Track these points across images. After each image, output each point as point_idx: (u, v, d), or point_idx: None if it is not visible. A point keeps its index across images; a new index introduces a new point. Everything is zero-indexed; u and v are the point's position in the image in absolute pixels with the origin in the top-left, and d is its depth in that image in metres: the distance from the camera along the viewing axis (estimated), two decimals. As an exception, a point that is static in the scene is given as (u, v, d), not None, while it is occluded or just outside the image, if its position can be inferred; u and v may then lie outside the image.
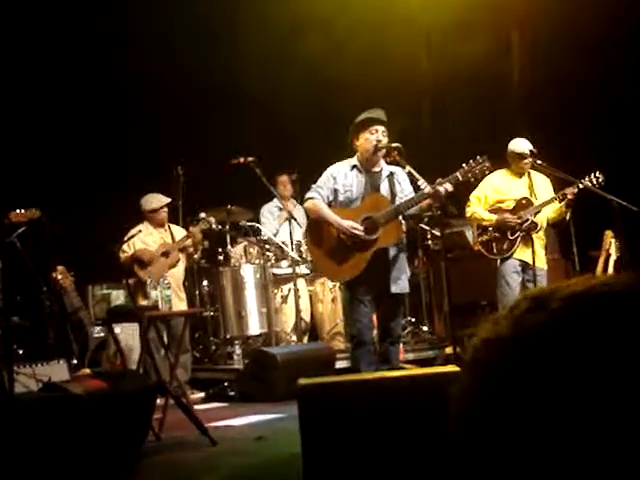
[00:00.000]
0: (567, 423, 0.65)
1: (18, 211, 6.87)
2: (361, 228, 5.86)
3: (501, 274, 7.06)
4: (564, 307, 0.69)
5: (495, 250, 7.08)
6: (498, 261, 7.07)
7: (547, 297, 0.71)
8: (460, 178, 5.91)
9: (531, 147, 7.06)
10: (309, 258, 8.11)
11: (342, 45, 9.52)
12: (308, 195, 6.15)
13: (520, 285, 7.08)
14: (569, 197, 6.85)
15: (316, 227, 6.13)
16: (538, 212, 7.01)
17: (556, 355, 0.67)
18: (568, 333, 0.67)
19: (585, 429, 0.65)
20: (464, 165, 6.01)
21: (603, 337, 0.67)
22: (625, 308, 0.68)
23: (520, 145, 7.09)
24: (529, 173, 7.17)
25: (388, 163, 6.15)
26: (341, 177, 6.08)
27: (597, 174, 6.82)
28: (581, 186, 6.81)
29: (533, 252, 6.90)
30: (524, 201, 7.05)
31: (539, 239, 7.08)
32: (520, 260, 7.04)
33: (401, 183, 6.09)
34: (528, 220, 6.98)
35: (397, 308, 6.12)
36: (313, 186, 6.17)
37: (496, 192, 7.17)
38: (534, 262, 6.88)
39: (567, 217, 7.29)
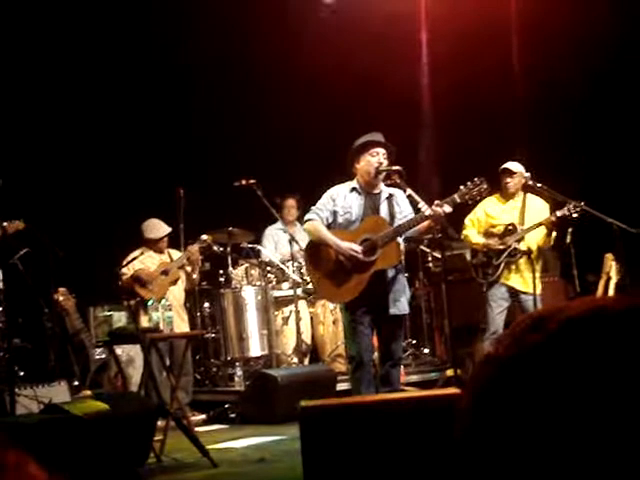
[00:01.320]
0: (561, 440, 0.67)
1: (2, 223, 6.84)
2: (359, 250, 5.88)
3: (487, 298, 7.14)
4: (559, 328, 0.71)
5: (481, 274, 7.15)
6: (485, 286, 7.13)
7: (546, 318, 0.73)
8: (458, 200, 5.95)
9: (522, 169, 7.12)
10: (310, 280, 8.13)
11: (343, 66, 9.58)
12: (307, 217, 6.18)
13: (507, 310, 7.16)
14: (545, 224, 6.93)
15: (315, 249, 6.15)
16: (522, 239, 7.07)
17: (550, 375, 0.69)
18: (562, 353, 0.69)
19: (579, 446, 0.67)
20: (462, 187, 6.05)
21: (596, 357, 0.69)
22: (618, 329, 0.70)
23: (512, 166, 7.15)
24: (524, 196, 7.22)
25: (388, 185, 6.18)
26: (340, 199, 6.11)
27: (576, 204, 6.87)
28: (559, 214, 6.88)
29: (533, 278, 6.92)
30: (510, 227, 7.13)
31: (527, 264, 7.11)
32: (507, 286, 7.11)
33: (400, 204, 6.12)
34: (511, 246, 7.04)
35: (397, 330, 6.13)
36: (312, 208, 6.20)
37: (488, 216, 7.24)
38: (534, 287, 6.90)
39: (567, 239, 7.34)
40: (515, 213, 7.19)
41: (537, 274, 7.19)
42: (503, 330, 7.13)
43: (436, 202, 5.79)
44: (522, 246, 7.07)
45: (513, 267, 7.09)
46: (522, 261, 7.06)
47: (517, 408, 0.69)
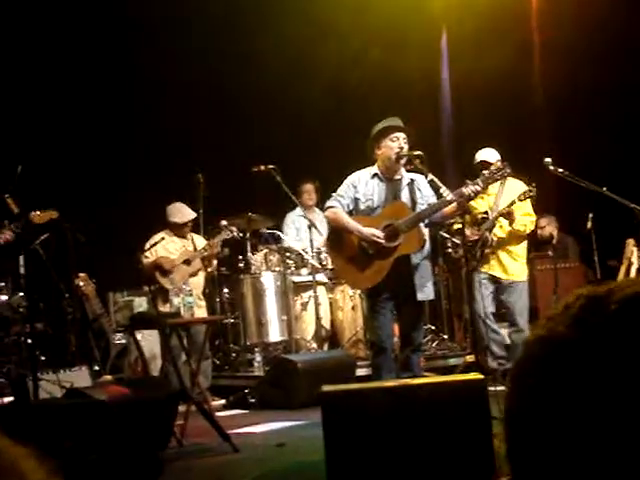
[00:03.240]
0: (630, 426, 0.66)
1: (36, 212, 6.81)
2: (382, 235, 5.86)
3: (474, 287, 7.13)
4: (626, 309, 0.70)
5: (464, 266, 7.17)
6: (475, 274, 7.12)
7: (604, 297, 0.72)
8: (482, 184, 5.92)
9: (498, 157, 7.09)
10: (329, 266, 8.14)
11: (362, 53, 9.55)
12: (328, 204, 6.16)
13: (491, 297, 7.19)
14: (502, 214, 7.01)
15: (337, 235, 6.14)
16: (493, 227, 7.07)
17: (619, 356, 0.67)
18: (632, 335, 0.68)
19: None
20: (485, 172, 6.02)
21: None
22: None
23: (488, 156, 7.10)
24: (503, 181, 7.08)
25: (409, 171, 6.15)
26: (362, 186, 6.08)
27: (530, 188, 6.89)
28: (517, 202, 6.91)
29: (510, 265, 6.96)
30: (485, 215, 7.12)
31: (505, 252, 7.14)
32: (488, 274, 7.12)
33: (422, 190, 6.09)
34: (484, 235, 7.06)
35: (419, 316, 6.13)
36: (333, 195, 6.17)
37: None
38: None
39: (588, 225, 7.34)
40: (492, 199, 7.19)
41: (523, 260, 7.23)
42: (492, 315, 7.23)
43: (468, 182, 5.80)
44: (499, 233, 7.11)
45: (492, 256, 7.12)
46: (499, 249, 7.10)
47: (581, 388, 0.68)
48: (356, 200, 6.07)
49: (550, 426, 0.69)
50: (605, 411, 0.67)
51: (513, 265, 7.21)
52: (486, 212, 7.14)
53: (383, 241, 5.85)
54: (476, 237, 7.07)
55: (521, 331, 7.18)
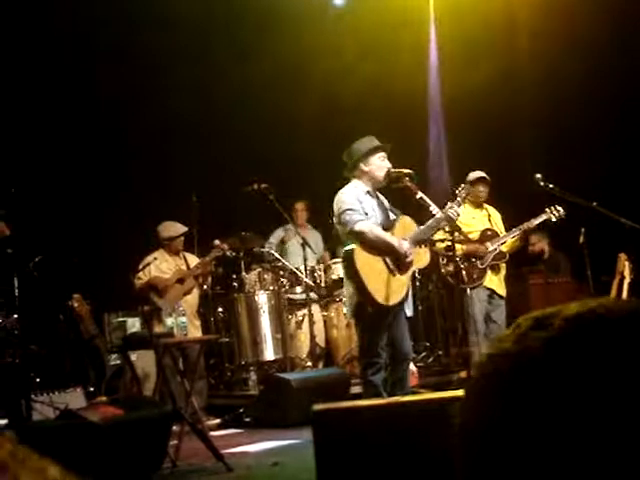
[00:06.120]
0: (568, 434, 0.68)
1: None
2: (411, 251, 5.86)
3: (470, 302, 7.18)
4: (565, 326, 0.73)
5: (466, 279, 7.20)
6: (468, 290, 7.17)
7: (549, 317, 0.75)
8: (457, 206, 5.98)
9: (485, 175, 7.31)
10: (322, 284, 8.14)
11: (350, 72, 9.61)
12: (356, 218, 5.85)
13: (484, 313, 7.29)
14: (524, 232, 7.26)
15: (365, 250, 5.96)
16: (504, 242, 7.21)
17: (556, 370, 0.70)
18: (567, 350, 0.71)
19: (585, 441, 0.68)
20: (457, 194, 6.08)
21: (601, 356, 0.70)
22: (619, 331, 0.72)
23: (473, 173, 7.29)
24: (486, 206, 7.48)
25: (399, 189, 6.15)
26: (364, 202, 6.01)
27: (557, 207, 7.02)
28: (543, 218, 7.08)
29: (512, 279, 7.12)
30: (489, 232, 7.30)
31: (502, 266, 7.29)
32: (488, 288, 7.23)
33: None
34: (496, 250, 7.17)
35: (406, 330, 6.12)
36: (349, 211, 5.87)
37: (460, 223, 7.25)
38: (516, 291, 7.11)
39: (580, 240, 7.43)
40: (485, 220, 7.34)
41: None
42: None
43: (457, 199, 5.87)
44: (503, 248, 7.32)
45: (496, 270, 7.25)
46: (502, 264, 7.28)
47: (525, 403, 0.70)
48: (365, 215, 6.03)
49: (506, 440, 0.71)
50: (553, 422, 0.69)
51: (504, 279, 7.36)
52: (490, 229, 7.28)
53: (411, 256, 5.85)
54: (488, 251, 7.21)
55: None
